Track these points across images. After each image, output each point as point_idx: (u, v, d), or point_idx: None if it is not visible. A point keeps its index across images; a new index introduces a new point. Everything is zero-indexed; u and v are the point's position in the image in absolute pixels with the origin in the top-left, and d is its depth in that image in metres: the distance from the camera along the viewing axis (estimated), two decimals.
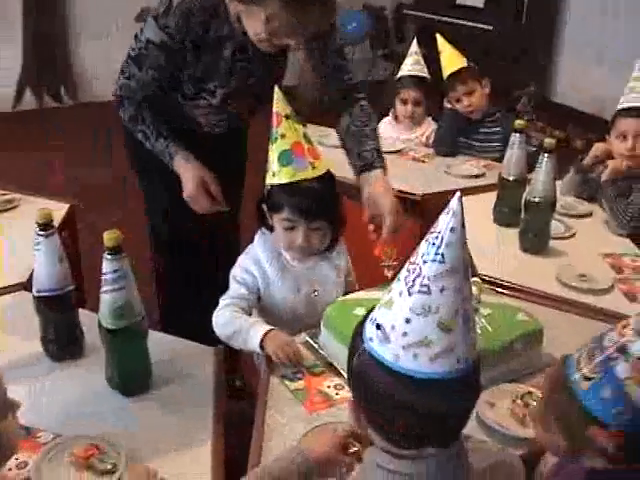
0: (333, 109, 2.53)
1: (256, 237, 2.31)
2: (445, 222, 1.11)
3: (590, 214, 3.02)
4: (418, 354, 1.11)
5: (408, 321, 1.11)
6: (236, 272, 2.27)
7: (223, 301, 2.19)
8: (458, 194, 1.12)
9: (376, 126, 2.51)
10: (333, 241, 2.27)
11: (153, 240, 2.84)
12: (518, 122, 2.78)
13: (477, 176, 3.41)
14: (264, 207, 2.22)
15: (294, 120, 2.14)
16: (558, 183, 2.96)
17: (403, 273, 1.15)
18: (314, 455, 1.45)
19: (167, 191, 2.56)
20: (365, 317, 1.23)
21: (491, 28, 6.86)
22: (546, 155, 2.56)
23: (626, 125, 2.91)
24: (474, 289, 1.99)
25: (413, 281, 1.12)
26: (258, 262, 2.26)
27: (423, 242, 1.13)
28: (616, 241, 2.78)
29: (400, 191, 3.17)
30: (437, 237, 1.11)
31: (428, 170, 3.55)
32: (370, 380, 1.18)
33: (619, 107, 2.93)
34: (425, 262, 1.11)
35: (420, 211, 3.14)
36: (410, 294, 1.12)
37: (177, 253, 2.76)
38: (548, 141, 2.57)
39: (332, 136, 3.69)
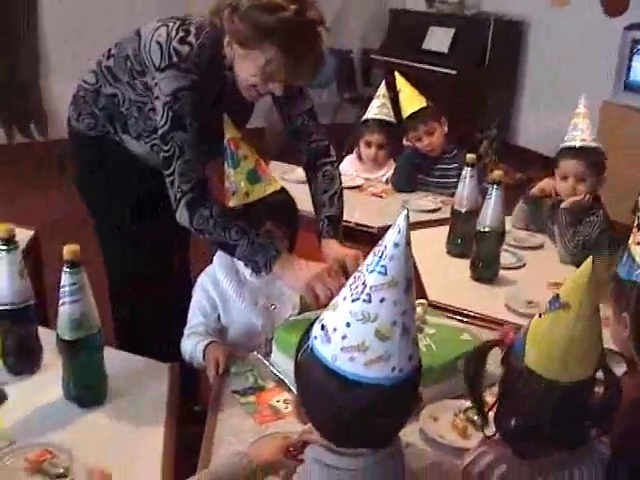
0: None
1: (215, 257, 2.41)
2: (390, 237, 1.18)
3: (541, 246, 3.13)
4: (354, 357, 1.17)
5: (348, 325, 1.18)
6: (195, 297, 2.40)
7: (185, 332, 2.34)
8: (405, 212, 1.19)
9: (337, 189, 2.56)
10: (291, 245, 2.42)
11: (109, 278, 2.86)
12: (469, 156, 2.89)
13: (433, 210, 3.52)
14: None
15: (246, 141, 2.29)
16: (509, 218, 3.09)
17: (350, 280, 1.23)
18: (260, 459, 1.50)
19: (123, 239, 2.67)
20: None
21: (455, 72, 7.04)
22: (494, 187, 2.67)
23: (566, 167, 3.04)
24: (419, 310, 2.09)
25: (357, 288, 1.19)
26: (216, 281, 2.38)
27: (371, 253, 1.21)
28: (563, 270, 2.86)
29: (358, 224, 3.30)
30: (382, 250, 1.19)
31: (386, 205, 3.64)
32: (310, 376, 1.25)
33: (561, 146, 3.06)
34: (369, 272, 1.18)
35: (376, 244, 3.22)
36: (353, 300, 1.19)
37: (133, 293, 2.77)
38: (496, 173, 2.69)
39: (295, 172, 3.82)
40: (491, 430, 1.47)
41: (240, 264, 2.36)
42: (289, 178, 3.60)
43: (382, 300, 1.16)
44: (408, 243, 1.18)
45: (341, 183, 2.61)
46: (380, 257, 1.18)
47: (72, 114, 2.67)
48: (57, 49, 7.15)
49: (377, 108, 3.96)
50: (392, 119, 3.96)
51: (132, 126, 2.50)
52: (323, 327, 1.22)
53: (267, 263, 2.19)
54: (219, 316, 2.37)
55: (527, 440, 1.40)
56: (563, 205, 3.04)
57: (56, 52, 7.16)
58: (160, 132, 2.24)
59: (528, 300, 2.56)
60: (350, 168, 4.05)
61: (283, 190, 2.42)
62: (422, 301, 2.22)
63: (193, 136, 2.22)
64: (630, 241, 1.79)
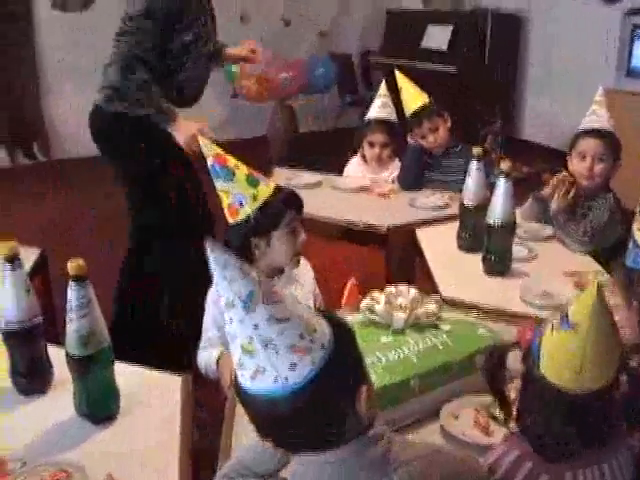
0: None
1: None
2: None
3: (553, 237, 3.08)
4: (242, 374, 1.23)
5: (232, 343, 1.23)
6: (207, 311, 2.41)
7: (200, 345, 2.38)
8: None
9: None
10: None
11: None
12: (476, 149, 2.86)
13: (441, 207, 3.49)
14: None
15: (227, 152, 2.29)
16: (518, 211, 3.05)
17: None
18: None
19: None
20: None
21: (455, 69, 7.00)
22: (503, 179, 2.63)
23: (585, 145, 3.01)
24: (433, 307, 2.05)
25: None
26: None
27: None
28: (578, 260, 2.83)
29: (367, 225, 3.27)
30: None
31: (393, 204, 3.62)
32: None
33: (580, 128, 3.03)
34: (219, 296, 1.24)
35: (386, 243, 3.21)
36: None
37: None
38: (505, 164, 2.65)
39: (300, 177, 3.81)
40: (515, 426, 1.44)
41: None
42: (294, 184, 3.61)
43: (231, 320, 1.21)
44: (237, 263, 1.21)
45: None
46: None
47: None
48: (55, 68, 7.15)
49: (378, 108, 3.93)
50: (394, 118, 3.94)
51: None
52: None
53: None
54: None
55: (546, 443, 1.37)
56: (552, 212, 3.03)
57: (54, 71, 7.15)
58: None
59: (544, 291, 2.52)
60: (356, 170, 4.04)
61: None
62: (436, 297, 2.18)
63: None
64: (634, 227, 1.76)
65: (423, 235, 3.11)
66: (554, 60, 6.98)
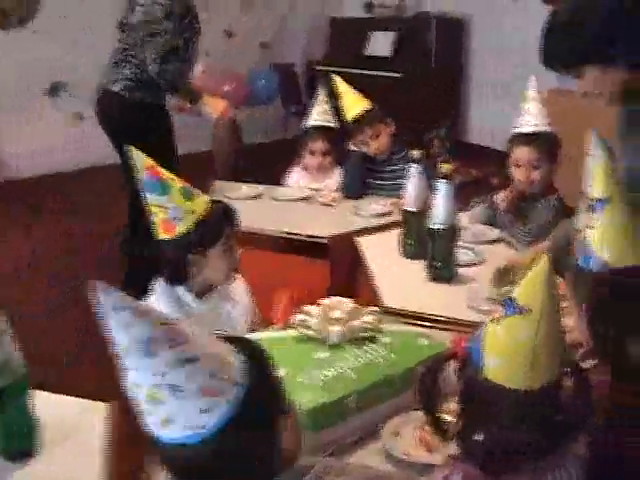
0: None
1: (156, 288, 2.26)
2: None
3: (501, 240, 2.98)
4: (151, 421, 1.12)
5: (136, 392, 1.12)
6: None
7: None
8: None
9: None
10: None
11: None
12: (415, 152, 2.76)
13: (385, 214, 3.37)
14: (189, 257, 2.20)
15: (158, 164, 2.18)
16: (465, 214, 2.97)
17: None
18: None
19: None
20: None
21: (400, 75, 6.93)
22: (443, 181, 2.53)
23: (519, 153, 2.96)
24: (371, 318, 1.94)
25: None
26: None
27: None
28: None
29: (309, 236, 3.16)
30: None
31: (336, 213, 3.51)
32: None
33: (514, 132, 2.96)
34: None
35: (327, 254, 3.11)
36: None
37: None
38: (445, 166, 2.55)
39: (240, 190, 3.72)
40: (454, 447, 1.34)
41: (181, 292, 2.22)
42: (235, 196, 3.57)
43: (132, 369, 1.10)
44: (133, 305, 1.09)
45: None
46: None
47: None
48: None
49: (317, 115, 3.84)
50: (334, 125, 3.85)
51: None
52: None
53: None
54: None
55: (495, 456, 1.26)
56: (498, 214, 3.00)
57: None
58: None
59: (490, 296, 2.42)
60: (298, 179, 3.93)
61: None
62: (374, 309, 2.05)
63: None
64: (581, 225, 1.68)
65: (365, 243, 3.00)
66: (499, 62, 6.96)
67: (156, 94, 4.02)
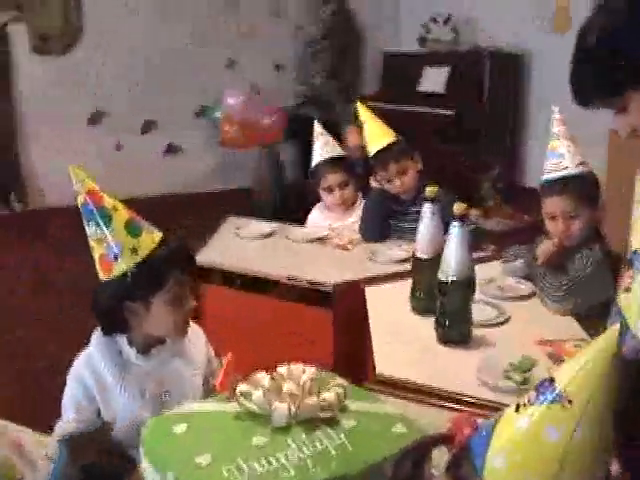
0: None
1: (93, 338, 1.90)
2: None
3: (533, 294, 2.53)
4: None
5: None
6: (67, 388, 1.92)
7: (56, 428, 1.86)
8: None
9: None
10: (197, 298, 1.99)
11: None
12: (429, 189, 2.35)
13: (404, 261, 2.88)
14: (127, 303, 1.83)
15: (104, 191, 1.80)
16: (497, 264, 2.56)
17: None
18: None
19: None
20: None
21: (452, 112, 6.53)
22: (456, 224, 2.10)
23: (552, 206, 2.50)
24: (331, 396, 1.51)
25: None
26: (94, 368, 1.88)
27: None
28: (560, 325, 2.28)
29: (310, 282, 2.76)
30: None
31: (349, 257, 3.09)
32: None
33: (542, 179, 2.53)
34: None
35: (330, 302, 2.69)
36: None
37: None
38: (457, 206, 2.12)
39: (253, 227, 3.43)
40: None
41: (124, 343, 1.84)
42: (244, 234, 3.35)
43: None
44: None
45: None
46: None
47: None
48: (34, 117, 6.72)
49: (320, 149, 3.48)
50: (341, 153, 3.51)
51: None
52: None
53: None
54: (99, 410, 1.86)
55: None
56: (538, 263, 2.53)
57: (33, 120, 6.74)
58: None
59: (506, 369, 1.96)
60: (319, 218, 3.56)
61: (172, 235, 1.92)
62: (340, 382, 1.60)
63: None
64: (620, 287, 1.27)
65: (374, 294, 2.57)
66: (558, 100, 6.50)
67: None
